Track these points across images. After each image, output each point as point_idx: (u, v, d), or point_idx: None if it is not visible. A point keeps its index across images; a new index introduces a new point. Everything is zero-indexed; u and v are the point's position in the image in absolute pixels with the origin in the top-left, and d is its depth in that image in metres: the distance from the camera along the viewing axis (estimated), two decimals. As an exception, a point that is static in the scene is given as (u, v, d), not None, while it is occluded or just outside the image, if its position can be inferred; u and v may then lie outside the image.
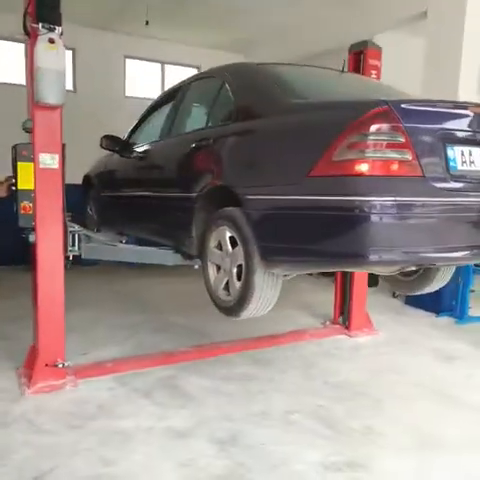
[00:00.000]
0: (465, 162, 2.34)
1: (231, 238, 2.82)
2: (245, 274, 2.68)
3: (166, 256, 3.67)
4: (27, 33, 3.10)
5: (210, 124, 3.28)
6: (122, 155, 4.25)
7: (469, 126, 2.38)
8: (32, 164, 3.18)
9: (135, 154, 4.10)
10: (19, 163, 3.17)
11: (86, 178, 5.15)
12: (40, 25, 2.96)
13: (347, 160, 2.13)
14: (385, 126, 2.11)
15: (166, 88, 8.99)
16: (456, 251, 2.35)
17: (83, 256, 3.58)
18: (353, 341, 4.50)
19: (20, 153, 3.16)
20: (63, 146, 3.25)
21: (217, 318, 4.73)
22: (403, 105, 2.19)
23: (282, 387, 3.45)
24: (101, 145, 4.16)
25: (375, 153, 2.10)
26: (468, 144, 2.36)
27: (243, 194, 2.65)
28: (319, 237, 2.33)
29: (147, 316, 5.12)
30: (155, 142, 3.89)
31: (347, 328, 4.66)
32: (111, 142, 4.17)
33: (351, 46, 4.64)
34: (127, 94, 8.50)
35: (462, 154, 2.33)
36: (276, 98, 2.72)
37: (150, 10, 6.93)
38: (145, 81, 8.77)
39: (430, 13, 5.60)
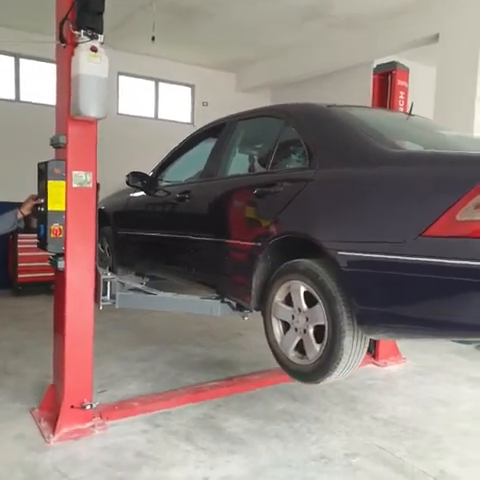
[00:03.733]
0: None
1: (306, 293, 2.56)
2: (330, 337, 2.41)
3: (214, 306, 3.29)
4: (63, 40, 2.82)
5: (272, 168, 3.01)
6: (150, 193, 3.96)
7: None
8: (64, 183, 2.88)
9: (168, 193, 3.81)
10: (50, 182, 2.85)
11: (100, 213, 4.79)
12: (82, 32, 2.70)
13: (475, 220, 1.92)
14: None
15: (159, 106, 8.82)
16: None
17: (117, 306, 3.23)
18: (385, 371, 4.30)
19: (52, 171, 2.84)
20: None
21: (233, 345, 4.46)
22: None
23: (331, 427, 3.19)
24: (127, 182, 3.89)
25: None
26: None
27: (333, 249, 2.36)
28: (437, 305, 2.08)
29: (158, 347, 4.77)
30: (197, 182, 3.61)
31: (374, 357, 4.46)
32: (139, 179, 3.89)
33: (377, 66, 4.57)
34: (120, 111, 8.21)
35: None
36: (370, 147, 2.48)
37: (149, 26, 6.72)
38: (138, 99, 8.49)
39: (442, 36, 5.59)
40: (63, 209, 2.89)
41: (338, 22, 6.71)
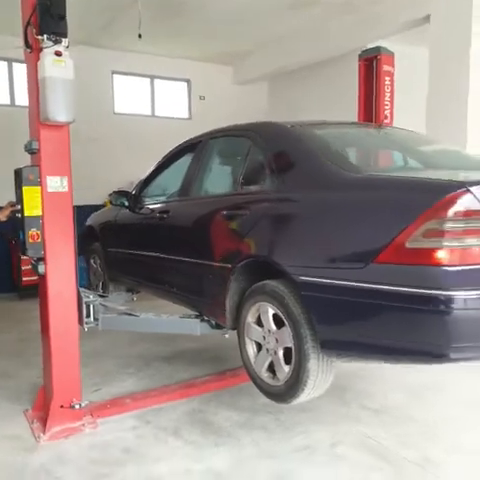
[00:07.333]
0: None
1: (275, 315, 2.59)
2: (296, 359, 2.44)
3: (193, 326, 3.38)
4: (28, 46, 2.84)
5: (241, 188, 3.03)
6: (134, 211, 4.02)
7: None
8: (39, 188, 2.92)
9: (148, 210, 3.87)
10: (25, 188, 2.89)
11: (88, 230, 4.90)
12: (45, 37, 2.71)
13: (423, 248, 1.92)
14: (464, 212, 1.90)
15: (156, 103, 8.83)
16: None
17: (100, 328, 3.34)
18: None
19: (26, 177, 2.88)
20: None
21: (227, 339, 4.47)
22: None
23: (319, 417, 3.19)
24: (111, 202, 4.00)
25: (455, 241, 1.90)
26: None
27: (295, 274, 2.39)
28: (390, 331, 2.10)
29: (153, 343, 4.79)
30: (175, 200, 3.64)
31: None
32: (122, 198, 3.99)
33: (362, 52, 4.52)
34: (116, 111, 8.25)
35: None
36: (326, 170, 2.47)
37: (142, 23, 6.72)
38: (134, 97, 8.52)
39: (433, 17, 5.45)
40: (40, 214, 2.93)
41: (331, 8, 6.60)
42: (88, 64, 7.68)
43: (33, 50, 2.81)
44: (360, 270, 2.08)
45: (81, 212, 5.18)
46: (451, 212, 1.88)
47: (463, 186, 1.91)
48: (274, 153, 2.79)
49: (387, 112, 4.58)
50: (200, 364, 4.20)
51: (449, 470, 2.58)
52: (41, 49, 2.74)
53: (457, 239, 1.89)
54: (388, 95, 4.39)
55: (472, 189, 1.90)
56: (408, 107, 5.81)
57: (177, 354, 4.51)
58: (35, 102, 2.85)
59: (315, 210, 2.43)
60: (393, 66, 4.43)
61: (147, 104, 8.63)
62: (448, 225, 1.88)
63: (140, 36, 6.07)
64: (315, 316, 2.33)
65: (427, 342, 1.98)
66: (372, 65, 4.42)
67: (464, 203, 1.89)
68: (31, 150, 2.95)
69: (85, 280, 5.06)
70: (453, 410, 3.28)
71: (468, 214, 1.89)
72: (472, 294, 1.88)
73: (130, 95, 8.46)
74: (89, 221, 4.95)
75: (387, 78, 4.38)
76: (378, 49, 4.39)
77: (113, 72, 8.12)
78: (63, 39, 2.76)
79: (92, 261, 4.88)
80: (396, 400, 3.44)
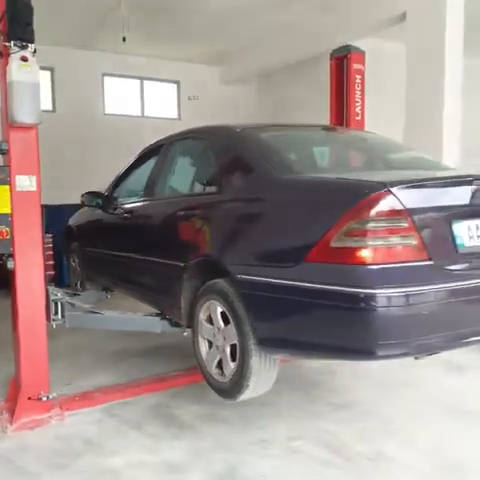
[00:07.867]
0: (472, 237, 2.17)
1: (223, 313, 2.67)
2: (240, 356, 2.53)
3: (154, 323, 3.50)
4: (-1, 52, 2.95)
5: (195, 190, 3.16)
6: (106, 211, 4.13)
7: (474, 199, 2.17)
8: (8, 187, 3.03)
9: (120, 211, 3.98)
10: (-6, 187, 3.00)
11: (68, 230, 5.04)
12: (12, 43, 2.82)
13: (346, 247, 1.99)
14: (386, 211, 1.97)
15: (146, 104, 8.94)
16: (472, 336, 2.18)
17: (67, 325, 3.45)
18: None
19: (-4, 176, 3.00)
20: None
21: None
22: (403, 186, 2.04)
23: (282, 411, 3.27)
24: (83, 203, 4.10)
25: (377, 240, 1.97)
26: (474, 217, 2.20)
27: (235, 272, 2.48)
28: (319, 329, 2.17)
29: (132, 339, 4.86)
30: (140, 201, 3.76)
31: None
32: (93, 198, 4.08)
33: (333, 51, 4.63)
34: (107, 112, 8.37)
35: (469, 229, 2.16)
36: (261, 173, 2.56)
37: (126, 26, 6.84)
38: (125, 98, 8.65)
39: (409, 14, 5.50)
40: (9, 212, 3.04)
41: (312, 7, 6.69)
42: (80, 67, 7.84)
43: (3, 56, 2.92)
44: (291, 269, 2.16)
45: (69, 211, 5.33)
46: (372, 212, 1.95)
47: (384, 187, 1.98)
48: (221, 156, 2.91)
49: (358, 109, 4.64)
50: (175, 359, 4.27)
51: (400, 464, 2.63)
52: (9, 55, 2.85)
53: (378, 238, 1.96)
54: (359, 93, 4.48)
55: (393, 189, 1.97)
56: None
57: (154, 349, 4.60)
58: (5, 105, 2.96)
59: (250, 210, 2.54)
60: (363, 64, 4.50)
61: (137, 105, 8.75)
62: (369, 225, 1.95)
63: (124, 39, 6.18)
64: (253, 314, 2.42)
65: (355, 339, 2.05)
66: (343, 64, 4.50)
67: (384, 203, 1.96)
68: (1, 151, 3.06)
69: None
70: (416, 405, 3.34)
71: (389, 214, 1.96)
72: (395, 292, 1.95)
73: (120, 96, 8.59)
74: (70, 221, 5.09)
75: (358, 76, 4.46)
76: (348, 48, 4.48)
77: (104, 74, 8.24)
78: (30, 45, 2.87)
79: (71, 260, 5.02)
80: (362, 396, 3.50)
